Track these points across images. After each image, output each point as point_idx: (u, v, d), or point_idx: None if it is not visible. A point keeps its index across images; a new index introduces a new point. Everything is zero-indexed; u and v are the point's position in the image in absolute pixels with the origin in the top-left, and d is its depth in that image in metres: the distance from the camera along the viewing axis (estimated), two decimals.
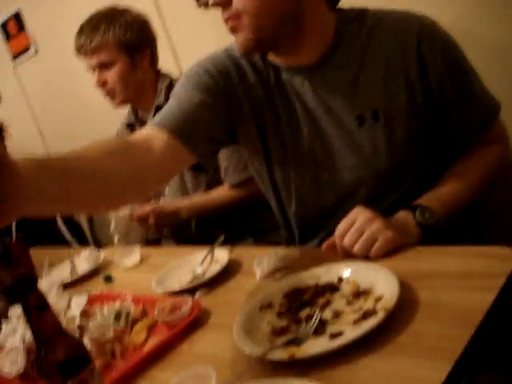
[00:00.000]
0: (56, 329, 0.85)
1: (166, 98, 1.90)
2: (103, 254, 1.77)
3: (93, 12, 1.92)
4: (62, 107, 3.44)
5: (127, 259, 1.66)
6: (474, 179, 1.32)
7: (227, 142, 1.45)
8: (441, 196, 1.26)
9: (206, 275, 1.35)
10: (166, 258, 1.60)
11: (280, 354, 0.92)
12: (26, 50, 3.37)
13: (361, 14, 1.33)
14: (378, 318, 0.91)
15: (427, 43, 1.26)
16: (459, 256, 1.07)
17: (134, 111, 2.08)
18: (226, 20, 1.25)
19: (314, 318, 0.98)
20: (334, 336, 0.92)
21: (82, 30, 1.89)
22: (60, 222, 3.13)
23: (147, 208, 1.79)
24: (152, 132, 1.27)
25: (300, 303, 1.06)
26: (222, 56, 1.40)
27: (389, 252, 1.13)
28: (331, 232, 1.21)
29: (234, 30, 1.26)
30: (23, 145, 3.61)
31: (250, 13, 1.22)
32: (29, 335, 1.19)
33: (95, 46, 1.87)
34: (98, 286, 1.56)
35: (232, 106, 1.37)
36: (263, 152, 1.42)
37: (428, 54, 1.26)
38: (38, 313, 0.83)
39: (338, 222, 1.20)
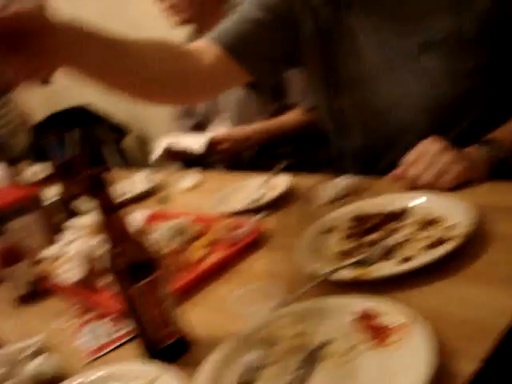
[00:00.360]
0: (127, 232, 0.84)
1: None
2: (159, 177, 1.77)
3: None
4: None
5: (183, 182, 1.65)
6: None
7: (287, 64, 1.41)
8: None
9: (265, 199, 1.34)
10: (222, 183, 1.59)
11: (346, 275, 0.90)
12: None
13: None
14: (453, 243, 0.88)
15: None
16: None
17: (197, 31, 2.01)
18: None
19: (384, 241, 0.96)
20: (404, 260, 0.90)
21: None
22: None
23: (222, 133, 1.76)
24: (206, 45, 1.27)
25: (367, 228, 1.04)
26: None
27: (458, 186, 1.09)
28: (389, 165, 1.17)
29: None
30: None
31: None
32: (91, 244, 1.20)
33: None
34: (153, 207, 1.56)
35: (294, 27, 1.32)
36: (324, 77, 1.37)
37: None
38: (110, 213, 0.82)
39: (398, 155, 1.16)
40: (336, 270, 0.92)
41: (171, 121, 2.23)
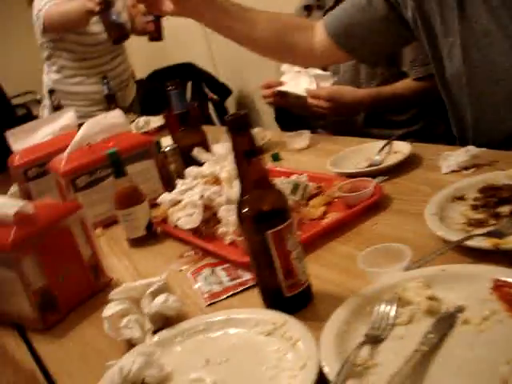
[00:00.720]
0: (264, 178, 0.84)
1: None
2: (269, 135, 1.77)
3: None
4: None
5: (295, 142, 1.65)
6: None
7: (393, 47, 1.48)
8: None
9: (386, 163, 1.31)
10: (335, 146, 1.57)
11: (481, 243, 0.87)
12: None
13: None
14: None
15: None
16: None
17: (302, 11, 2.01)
18: None
19: None
20: None
21: None
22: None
23: (323, 91, 1.72)
24: (319, 25, 1.44)
25: (498, 199, 1.00)
26: None
27: None
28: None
29: None
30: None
31: None
32: (209, 192, 1.21)
33: None
34: (267, 164, 1.56)
35: (399, 14, 1.35)
36: (433, 46, 1.34)
37: None
38: (251, 157, 0.82)
39: None
40: (470, 237, 0.89)
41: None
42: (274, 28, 1.44)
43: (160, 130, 2.12)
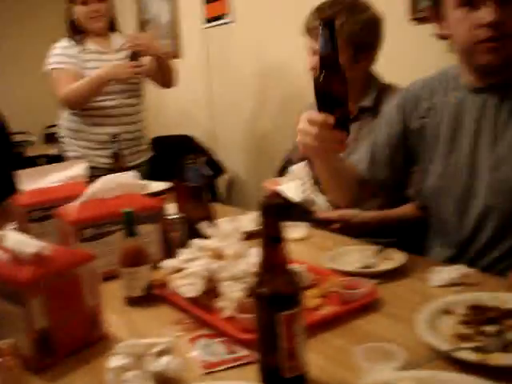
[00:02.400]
0: (284, 263, 0.92)
1: (374, 104, 1.96)
2: None
3: None
4: (236, 81, 3.60)
5: (291, 232, 1.73)
6: None
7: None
8: None
9: (380, 268, 1.40)
10: (330, 241, 1.67)
11: (468, 356, 0.95)
12: (221, 17, 3.55)
13: None
14: None
15: None
16: None
17: None
18: (487, 39, 1.34)
19: (503, 334, 1.01)
20: None
21: (320, 11, 1.90)
22: None
23: (334, 214, 1.82)
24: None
25: (484, 319, 1.09)
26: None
27: None
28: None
29: (493, 50, 1.35)
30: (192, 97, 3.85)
31: None
32: (214, 266, 1.28)
33: None
34: None
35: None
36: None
37: None
38: (275, 243, 0.90)
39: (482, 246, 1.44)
40: (457, 349, 0.97)
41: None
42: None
43: (159, 195, 2.18)
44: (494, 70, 1.40)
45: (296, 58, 2.48)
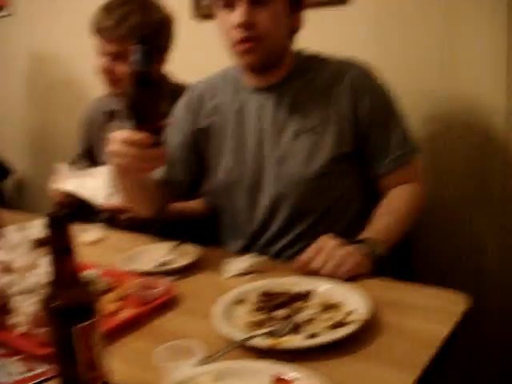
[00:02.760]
0: (75, 275, 0.90)
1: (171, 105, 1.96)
2: None
3: None
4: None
5: (85, 235, 1.69)
6: (401, 214, 1.50)
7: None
8: (379, 230, 1.42)
9: (175, 264, 1.43)
10: (126, 242, 1.67)
11: (261, 343, 1.01)
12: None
13: (315, 54, 1.60)
14: (353, 326, 1.04)
15: (359, 85, 1.50)
16: (417, 292, 1.24)
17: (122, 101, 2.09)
18: (242, 40, 1.42)
19: (292, 318, 1.09)
20: (310, 336, 1.03)
21: (110, 11, 1.83)
22: None
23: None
24: None
25: (274, 304, 1.17)
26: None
27: (352, 277, 1.26)
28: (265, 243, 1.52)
29: (249, 51, 1.44)
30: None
31: (270, 38, 1.44)
32: (4, 280, 1.21)
33: (121, 34, 1.81)
34: None
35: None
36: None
37: (359, 94, 1.50)
38: (64, 255, 0.88)
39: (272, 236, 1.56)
40: (251, 337, 1.03)
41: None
42: None
43: None
44: (258, 69, 1.51)
45: (83, 54, 2.40)
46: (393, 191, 1.54)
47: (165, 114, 1.91)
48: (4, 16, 3.33)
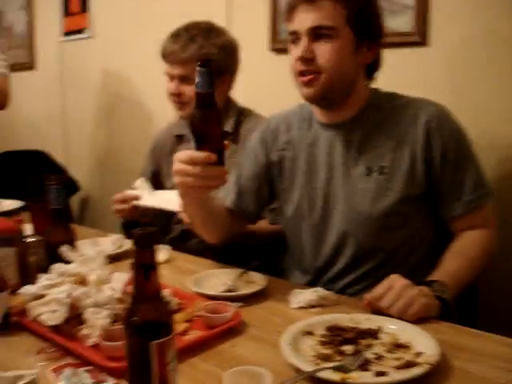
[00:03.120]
0: (157, 291, 0.93)
1: (234, 127, 2.03)
2: (127, 244, 1.83)
3: (190, 22, 2.00)
4: (93, 92, 3.53)
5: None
6: (473, 258, 1.47)
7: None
8: (450, 273, 1.40)
9: (242, 291, 1.44)
10: (193, 265, 1.69)
11: (331, 376, 1.01)
12: (80, 31, 3.47)
13: (391, 94, 1.60)
14: (423, 367, 1.02)
15: (435, 124, 1.49)
16: (485, 338, 1.21)
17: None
18: (303, 72, 1.47)
19: (361, 353, 1.08)
20: (379, 374, 1.02)
21: (176, 37, 1.95)
22: None
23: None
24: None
25: (343, 339, 1.16)
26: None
27: (421, 319, 1.25)
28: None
29: (308, 83, 1.48)
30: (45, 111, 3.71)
31: (330, 72, 1.46)
32: (77, 292, 1.25)
33: (186, 57, 1.92)
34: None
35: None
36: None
37: (434, 134, 1.48)
38: (149, 271, 0.90)
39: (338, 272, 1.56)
40: (320, 369, 1.03)
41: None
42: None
43: (10, 214, 2.09)
44: (321, 104, 1.55)
45: (153, 79, 2.48)
46: (465, 234, 1.51)
47: (227, 134, 1.99)
48: (85, 38, 3.47)
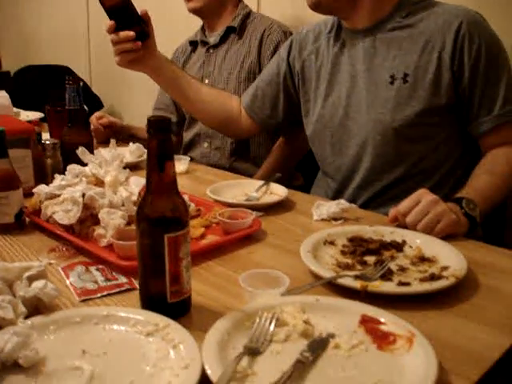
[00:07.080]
0: (172, 183, 0.88)
1: (241, 24, 2.04)
2: None
3: None
4: None
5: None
6: (504, 176, 1.39)
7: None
8: (479, 190, 1.33)
9: (263, 200, 1.39)
10: (212, 176, 1.65)
11: (351, 283, 0.96)
12: None
13: None
14: (449, 280, 0.97)
15: (467, 32, 1.38)
16: (510, 257, 1.16)
17: (203, 29, 2.15)
18: None
19: (384, 263, 1.03)
20: (402, 284, 0.97)
21: None
22: None
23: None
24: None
25: (365, 249, 1.11)
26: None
27: (448, 235, 1.19)
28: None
29: None
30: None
31: None
32: (92, 192, 1.21)
33: None
34: None
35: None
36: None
37: (464, 42, 1.38)
38: (165, 160, 0.85)
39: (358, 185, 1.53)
40: (341, 276, 0.98)
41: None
42: (214, 101, 1.73)
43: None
44: (335, 11, 1.51)
45: None
46: (495, 151, 1.43)
47: (232, 29, 2.04)
48: None
